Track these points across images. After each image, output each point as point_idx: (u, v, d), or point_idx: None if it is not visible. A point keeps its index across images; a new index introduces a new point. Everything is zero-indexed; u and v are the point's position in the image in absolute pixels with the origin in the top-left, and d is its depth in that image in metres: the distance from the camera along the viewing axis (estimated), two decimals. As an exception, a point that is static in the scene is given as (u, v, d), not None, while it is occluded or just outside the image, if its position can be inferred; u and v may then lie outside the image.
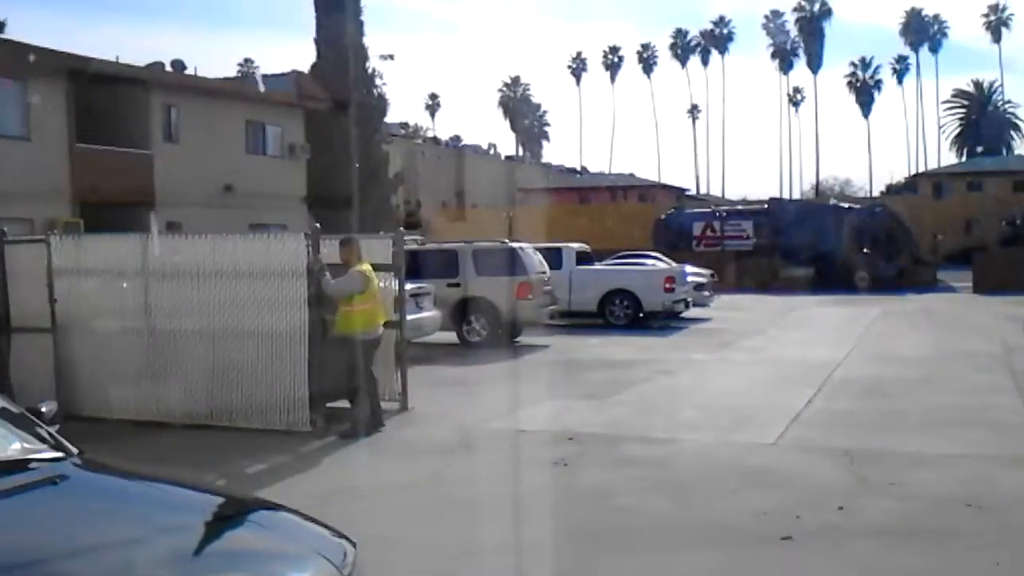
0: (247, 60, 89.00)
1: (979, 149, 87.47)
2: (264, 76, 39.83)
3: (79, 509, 3.48)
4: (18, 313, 10.72)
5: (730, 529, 6.27)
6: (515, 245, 18.29)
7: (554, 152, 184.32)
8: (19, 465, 3.68)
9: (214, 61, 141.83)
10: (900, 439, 9.00)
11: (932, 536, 6.07)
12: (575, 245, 22.76)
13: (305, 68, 39.72)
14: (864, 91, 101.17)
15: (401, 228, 12.22)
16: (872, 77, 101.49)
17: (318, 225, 10.28)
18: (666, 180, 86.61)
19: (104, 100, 25.07)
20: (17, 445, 3.87)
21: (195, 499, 3.74)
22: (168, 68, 35.00)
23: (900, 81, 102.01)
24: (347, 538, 3.49)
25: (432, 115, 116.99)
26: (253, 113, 31.43)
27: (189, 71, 36.89)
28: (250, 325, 9.67)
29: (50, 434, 4.01)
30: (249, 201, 28.37)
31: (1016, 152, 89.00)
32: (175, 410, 9.86)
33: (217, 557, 3.21)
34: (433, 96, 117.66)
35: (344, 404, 9.80)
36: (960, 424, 9.65)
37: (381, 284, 10.19)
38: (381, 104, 42.87)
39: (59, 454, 3.83)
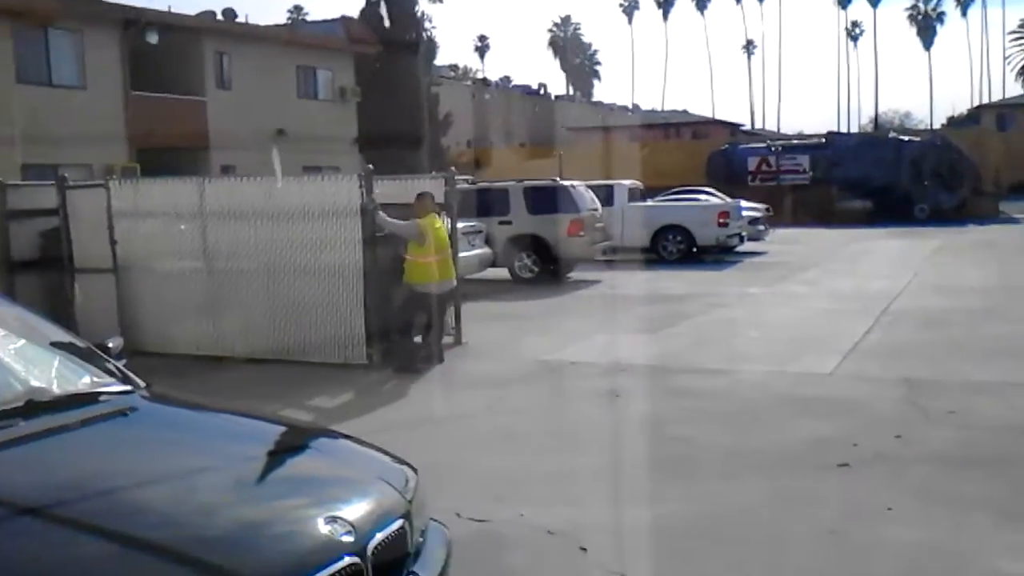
0: (296, 7, 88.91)
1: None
2: (313, 22, 39.72)
3: (148, 440, 3.58)
4: (81, 255, 10.97)
5: (787, 457, 6.27)
6: (565, 183, 18.19)
7: (605, 91, 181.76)
8: (90, 398, 3.79)
9: (264, 7, 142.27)
10: (959, 369, 8.89)
11: (990, 463, 6.02)
12: (627, 182, 22.58)
13: (355, 13, 39.59)
14: (926, 23, 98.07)
15: (452, 168, 12.24)
16: (935, 9, 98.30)
17: (371, 167, 10.32)
18: (720, 116, 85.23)
19: (158, 50, 25.29)
20: (87, 379, 3.98)
21: (258, 428, 3.82)
22: (219, 16, 35.09)
23: (964, 12, 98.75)
24: (408, 464, 3.54)
25: (482, 57, 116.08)
26: (303, 58, 31.44)
27: (240, 19, 36.98)
28: (305, 263, 9.81)
29: (118, 368, 4.12)
30: (302, 145, 28.48)
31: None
32: (235, 345, 10.09)
33: (280, 483, 3.28)
34: (482, 38, 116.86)
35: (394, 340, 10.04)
36: (1021, 354, 9.49)
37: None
38: (431, 46, 42.66)
39: (127, 387, 3.94)
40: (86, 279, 10.95)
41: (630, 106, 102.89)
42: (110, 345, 4.47)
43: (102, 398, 3.81)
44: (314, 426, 4.09)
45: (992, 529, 4.94)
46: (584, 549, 4.71)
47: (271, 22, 42.17)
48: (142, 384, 4.00)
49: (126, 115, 24.63)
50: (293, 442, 3.76)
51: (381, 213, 9.52)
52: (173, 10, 31.28)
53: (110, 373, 4.06)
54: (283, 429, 3.96)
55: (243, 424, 3.85)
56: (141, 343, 9.69)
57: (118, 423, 3.64)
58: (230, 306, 10.17)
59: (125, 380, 4.01)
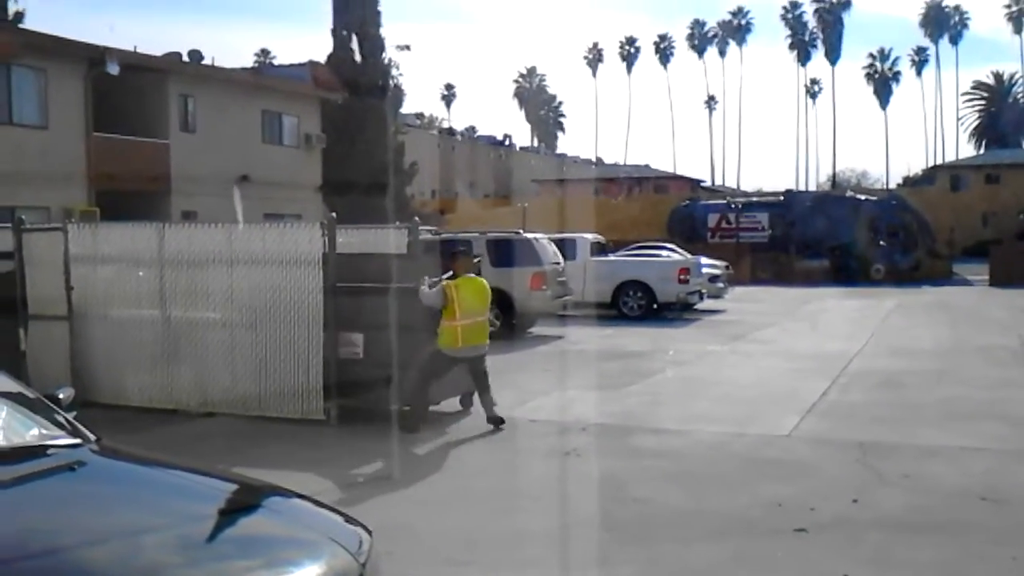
0: (264, 50, 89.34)
1: (997, 142, 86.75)
2: (280, 66, 39.84)
3: (95, 495, 3.51)
4: (35, 300, 10.77)
5: (744, 520, 6.26)
6: (529, 236, 18.27)
7: (569, 143, 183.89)
8: (37, 451, 3.71)
9: (231, 52, 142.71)
10: (914, 432, 8.97)
11: (946, 529, 6.05)
12: (589, 236, 22.72)
13: (322, 59, 39.77)
14: (882, 83, 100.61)
15: (416, 218, 12.23)
16: (891, 69, 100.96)
17: (334, 214, 10.29)
18: (681, 171, 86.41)
19: (121, 90, 25.18)
20: (35, 431, 3.90)
21: (209, 485, 3.76)
22: (185, 58, 35.07)
23: (919, 73, 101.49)
24: (362, 525, 3.48)
25: (448, 105, 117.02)
26: (270, 103, 31.48)
27: (206, 61, 36.98)
28: (264, 313, 9.70)
29: (67, 420, 4.04)
30: (265, 191, 28.42)
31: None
32: (190, 397, 9.92)
33: (230, 543, 3.22)
34: (449, 87, 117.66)
35: (354, 395, 9.93)
36: (974, 417, 9.61)
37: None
38: (397, 94, 42.91)
39: (76, 440, 3.86)
40: (40, 326, 10.73)
41: (593, 159, 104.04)
42: (60, 396, 4.39)
43: (50, 451, 3.74)
44: (266, 484, 4.01)
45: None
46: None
47: (238, 65, 42.19)
48: (92, 437, 3.92)
49: (87, 156, 24.40)
50: (244, 501, 3.69)
51: (425, 286, 9.26)
52: (139, 50, 31.20)
53: (59, 425, 3.98)
54: (234, 487, 3.89)
55: (193, 481, 3.78)
56: (93, 394, 9.52)
57: (66, 478, 3.57)
58: (186, 356, 10.01)
59: (74, 433, 3.93)
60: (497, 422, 9.20)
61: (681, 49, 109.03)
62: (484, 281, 9.66)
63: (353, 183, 31.63)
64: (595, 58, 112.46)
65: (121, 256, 10.50)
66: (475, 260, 10.20)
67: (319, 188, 32.44)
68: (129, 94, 25.60)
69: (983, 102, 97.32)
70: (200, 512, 3.38)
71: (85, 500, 3.44)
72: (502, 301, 17.09)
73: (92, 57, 24.46)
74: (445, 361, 9.30)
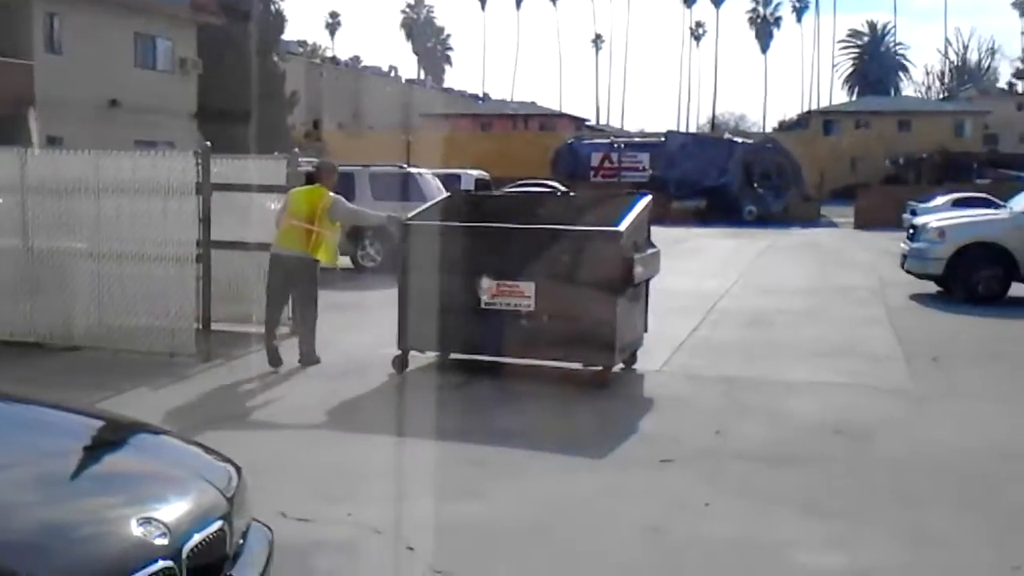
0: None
1: (869, 89, 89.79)
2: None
3: (-57, 432, 3.36)
4: None
5: (615, 453, 6.45)
6: (412, 170, 18.11)
7: (456, 78, 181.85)
8: None
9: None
10: (778, 367, 9.37)
11: (803, 459, 6.37)
12: (474, 172, 22.67)
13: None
14: (764, 27, 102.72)
15: (296, 149, 11.97)
16: (772, 13, 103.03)
17: (208, 143, 9.99)
18: (568, 110, 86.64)
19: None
20: None
21: (69, 421, 3.62)
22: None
23: (799, 19, 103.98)
24: (231, 461, 3.43)
25: (332, 34, 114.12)
26: (143, 25, 30.10)
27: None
28: (135, 245, 9.41)
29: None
30: (136, 117, 27.32)
31: (904, 93, 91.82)
32: (53, 330, 9.58)
33: (91, 481, 3.13)
34: (333, 15, 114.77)
35: (228, 328, 9.80)
36: (835, 355, 10.08)
37: (273, 206, 10.02)
38: (278, 20, 41.58)
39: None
40: None
41: (480, 94, 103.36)
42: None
43: None
44: (130, 420, 3.91)
45: (796, 522, 5.24)
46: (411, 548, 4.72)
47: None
48: (-58, 373, 3.76)
49: (-59, 75, 23.00)
50: (106, 436, 3.58)
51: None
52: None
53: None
54: (96, 422, 3.77)
55: (52, 416, 3.61)
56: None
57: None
58: (50, 288, 9.64)
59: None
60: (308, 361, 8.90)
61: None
62: (321, 190, 8.98)
63: (230, 111, 30.65)
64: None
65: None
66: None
67: (194, 115, 31.36)
68: (-12, 10, 24.12)
69: (857, 50, 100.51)
70: (61, 448, 3.25)
71: (-69, 437, 3.29)
72: (384, 235, 16.95)
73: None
74: (273, 267, 8.97)
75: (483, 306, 8.26)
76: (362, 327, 10.43)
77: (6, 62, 24.97)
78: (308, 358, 8.97)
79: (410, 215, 9.23)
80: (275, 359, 8.91)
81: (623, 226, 8.17)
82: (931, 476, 6.10)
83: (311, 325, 9.06)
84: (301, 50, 75.66)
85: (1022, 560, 4.75)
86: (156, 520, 2.80)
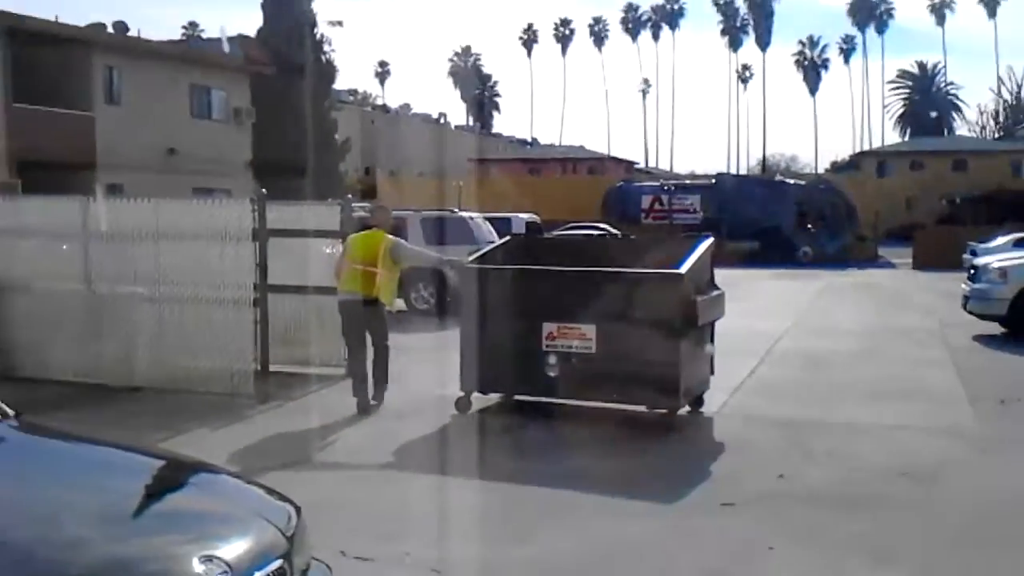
0: (192, 23, 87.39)
1: (921, 130, 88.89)
2: (208, 39, 39.07)
3: (14, 472, 3.40)
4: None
5: (675, 495, 6.34)
6: (464, 214, 18.22)
7: (505, 123, 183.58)
8: (-46, 427, 3.59)
9: (157, 23, 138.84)
10: (839, 410, 9.17)
11: (867, 504, 6.20)
12: (524, 215, 22.76)
13: (251, 32, 39.06)
14: (811, 69, 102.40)
15: (349, 195, 12.14)
16: (820, 56, 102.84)
17: (264, 190, 10.15)
18: (616, 153, 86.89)
19: (43, 60, 24.46)
20: (-51, 406, 3.77)
21: (133, 461, 3.67)
22: (110, 29, 34.20)
23: (847, 61, 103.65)
24: (291, 501, 3.44)
25: (382, 83, 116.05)
26: (198, 77, 30.87)
27: (132, 33, 36.09)
28: (194, 289, 9.55)
29: (-15, 396, 3.92)
30: (193, 166, 27.92)
31: (956, 133, 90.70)
32: (115, 372, 9.71)
33: (153, 518, 3.15)
34: (383, 64, 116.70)
35: (291, 369, 9.83)
36: (897, 396, 9.85)
37: (328, 251, 10.14)
38: (329, 70, 42.38)
39: (-6, 416, 3.74)
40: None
41: (529, 139, 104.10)
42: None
43: (-34, 428, 3.61)
44: (192, 460, 3.94)
45: (863, 570, 5.08)
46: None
47: (164, 38, 41.26)
48: (11, 413, 3.80)
49: (7, 128, 23.70)
50: (169, 476, 3.61)
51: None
52: (60, 20, 30.33)
53: (-24, 402, 3.85)
54: (160, 462, 3.81)
55: (117, 456, 3.68)
56: (13, 368, 9.26)
57: (-18, 455, 3.45)
58: (113, 332, 9.81)
59: (-7, 409, 3.81)
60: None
61: (615, 32, 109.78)
62: (380, 234, 8.96)
63: (283, 159, 31.22)
64: (530, 39, 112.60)
65: (45, 229, 10.26)
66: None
67: (249, 163, 31.95)
68: (52, 66, 24.89)
69: (907, 90, 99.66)
70: (125, 487, 3.30)
71: (3, 477, 3.33)
72: (438, 280, 17.07)
73: (11, 26, 23.71)
74: (342, 313, 9.03)
75: (545, 348, 8.22)
76: (421, 369, 10.42)
77: (67, 113, 25.72)
78: (379, 397, 8.94)
79: (471, 258, 9.24)
80: (364, 405, 8.81)
81: (684, 268, 8.11)
82: (1000, 520, 5.90)
83: (386, 367, 9.01)
84: (352, 99, 77.00)
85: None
86: (217, 558, 2.82)
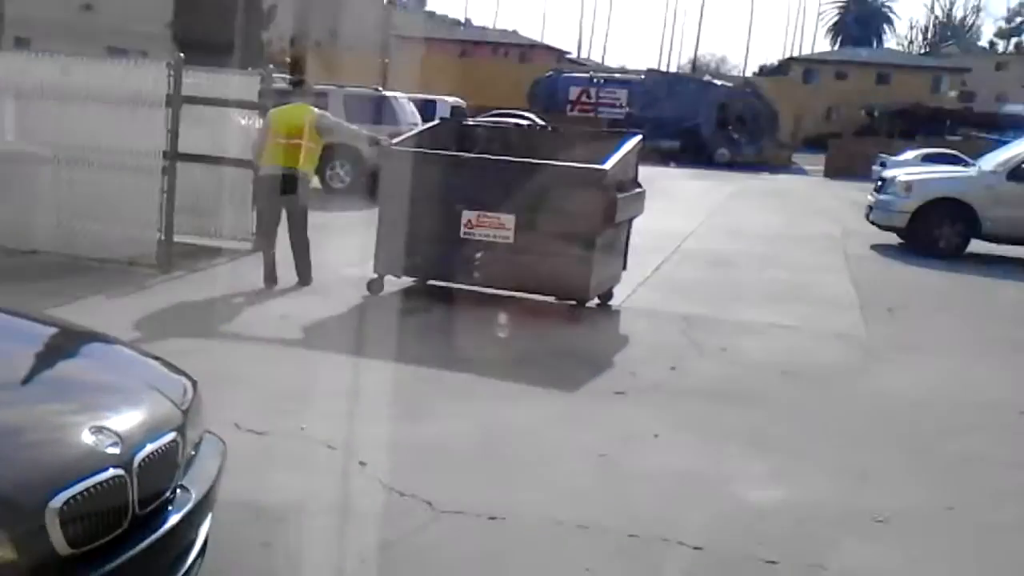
0: None
1: (851, 40, 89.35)
2: None
3: None
4: None
5: (569, 380, 6.57)
6: (387, 93, 17.92)
7: (437, 1, 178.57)
8: None
9: None
10: (736, 309, 9.51)
11: (753, 397, 6.51)
12: (450, 99, 22.47)
13: None
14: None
15: (270, 65, 11.82)
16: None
17: (181, 55, 9.83)
18: (549, 41, 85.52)
19: None
20: None
21: (21, 327, 3.60)
22: None
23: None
24: (187, 374, 3.44)
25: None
26: (115, -73, 29.28)
27: None
28: (101, 153, 9.30)
29: None
30: (110, 23, 26.73)
31: (885, 46, 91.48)
32: (11, 234, 9.45)
33: (43, 387, 3.12)
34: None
35: (198, 241, 9.76)
36: (792, 299, 10.24)
37: (244, 122, 9.99)
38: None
39: None
40: None
41: (462, 20, 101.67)
42: None
43: None
44: (85, 329, 3.90)
45: (739, 456, 5.40)
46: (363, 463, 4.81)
47: None
48: None
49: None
50: (59, 344, 3.58)
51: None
52: None
53: None
54: (50, 330, 3.76)
55: (3, 321, 3.56)
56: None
57: None
58: (10, 193, 9.52)
59: None
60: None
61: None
62: (305, 107, 8.98)
63: (207, 23, 29.99)
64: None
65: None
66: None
67: (169, 25, 30.65)
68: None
69: None
70: (11, 354, 3.23)
71: None
72: (355, 158, 16.86)
73: None
74: (260, 188, 9.04)
75: (463, 235, 8.29)
76: (335, 249, 10.41)
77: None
78: (306, 277, 8.94)
79: (397, 139, 9.18)
80: (271, 277, 8.83)
81: (609, 164, 8.20)
82: (876, 421, 6.27)
83: (306, 243, 8.97)
84: (279, -37, 73.84)
85: (957, 502, 4.92)
86: (108, 429, 2.79)
